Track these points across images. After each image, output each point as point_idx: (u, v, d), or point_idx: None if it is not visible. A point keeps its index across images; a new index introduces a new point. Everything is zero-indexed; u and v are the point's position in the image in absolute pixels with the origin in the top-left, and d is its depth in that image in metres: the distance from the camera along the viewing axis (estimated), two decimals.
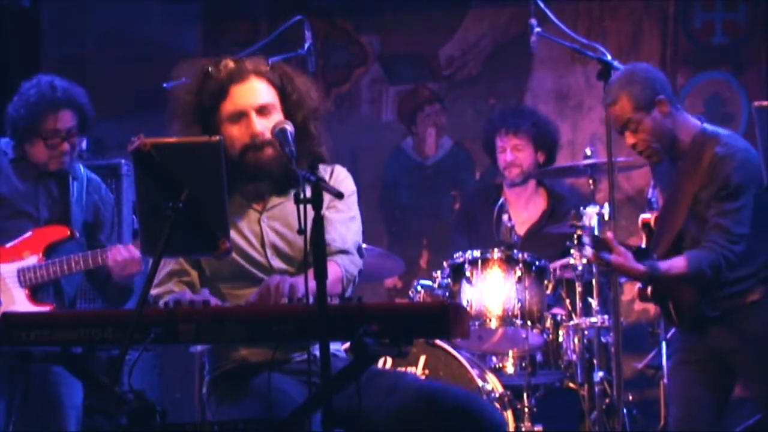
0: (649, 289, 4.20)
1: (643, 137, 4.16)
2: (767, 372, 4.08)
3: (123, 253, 4.33)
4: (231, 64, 3.39)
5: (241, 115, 3.34)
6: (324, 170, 3.44)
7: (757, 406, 4.37)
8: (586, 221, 4.47)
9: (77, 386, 4.44)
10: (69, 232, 4.42)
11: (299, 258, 3.32)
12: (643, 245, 4.33)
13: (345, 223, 3.44)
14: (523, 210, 5.64)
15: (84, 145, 5.64)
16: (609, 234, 4.17)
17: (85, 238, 4.53)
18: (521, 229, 5.50)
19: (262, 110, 3.34)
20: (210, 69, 3.39)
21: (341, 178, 3.48)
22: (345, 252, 3.39)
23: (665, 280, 4.09)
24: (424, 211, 6.74)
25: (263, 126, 3.32)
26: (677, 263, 4.05)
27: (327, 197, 3.35)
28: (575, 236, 4.27)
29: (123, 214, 5.43)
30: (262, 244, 3.39)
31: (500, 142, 5.64)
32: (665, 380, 5.20)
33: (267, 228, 3.41)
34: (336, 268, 3.32)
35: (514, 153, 5.60)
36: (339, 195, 3.00)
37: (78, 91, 4.57)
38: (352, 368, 2.91)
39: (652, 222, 4.32)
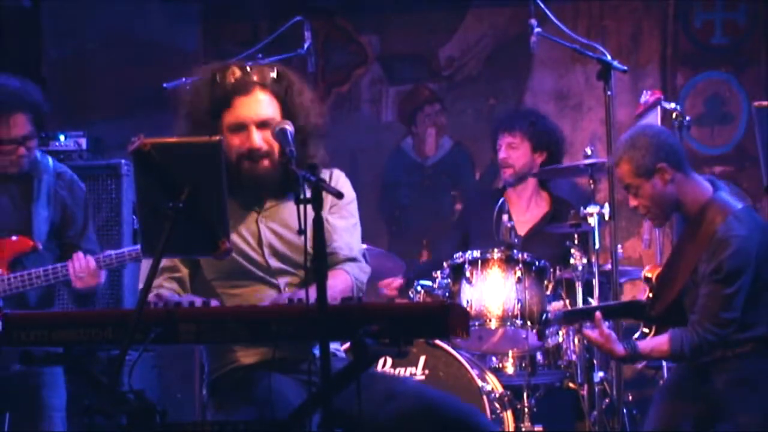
0: (651, 332, 4.24)
1: (642, 202, 4.16)
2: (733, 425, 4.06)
3: (77, 265, 4.31)
4: (237, 72, 3.38)
5: (241, 127, 3.35)
6: (322, 174, 3.44)
7: None
8: (551, 314, 4.62)
9: (60, 388, 4.42)
10: (32, 245, 4.39)
11: (297, 258, 3.32)
12: (645, 297, 4.34)
13: (350, 230, 3.47)
14: (525, 211, 5.64)
15: (86, 144, 5.66)
16: (597, 314, 4.17)
17: (54, 237, 4.48)
18: (522, 230, 5.50)
19: (263, 124, 3.35)
20: (217, 76, 3.39)
21: (341, 182, 3.48)
22: (353, 260, 3.41)
23: (645, 360, 4.18)
24: (424, 211, 6.73)
25: (262, 139, 3.33)
26: (659, 346, 4.08)
27: (328, 200, 3.37)
28: (544, 316, 4.39)
29: (123, 214, 5.43)
30: (260, 244, 3.39)
31: (498, 141, 5.65)
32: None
33: (264, 228, 3.41)
34: (346, 277, 3.34)
35: (508, 151, 5.59)
36: (339, 195, 3.00)
37: (30, 89, 4.40)
38: (351, 368, 2.91)
39: (653, 277, 4.32)
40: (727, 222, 4.02)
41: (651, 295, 4.29)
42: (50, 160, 4.55)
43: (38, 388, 4.35)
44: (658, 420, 4.19)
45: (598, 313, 4.17)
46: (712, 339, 4.00)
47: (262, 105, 3.37)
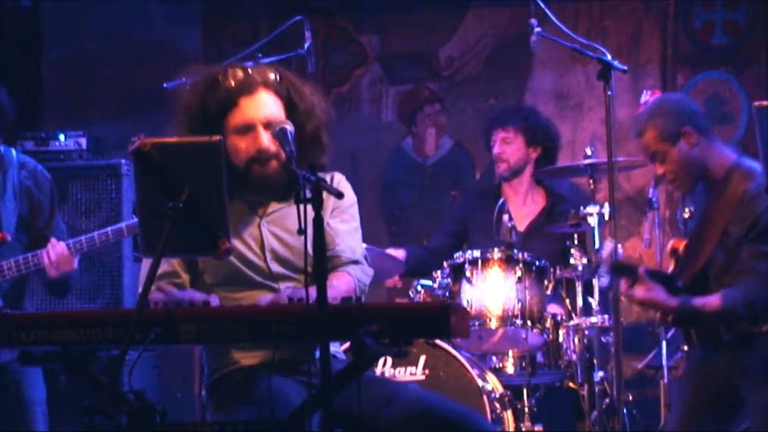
0: (671, 317, 4.17)
1: (670, 168, 4.16)
2: (759, 404, 4.04)
3: (53, 254, 4.33)
4: (240, 73, 3.36)
5: (248, 128, 3.33)
6: (323, 177, 3.42)
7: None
8: (604, 253, 4.45)
9: (39, 383, 4.42)
10: (0, 237, 4.38)
11: (298, 263, 3.31)
12: (670, 270, 4.32)
13: (352, 234, 3.46)
14: (521, 207, 5.64)
15: (86, 144, 5.67)
16: (641, 270, 4.13)
17: (23, 229, 4.47)
18: (520, 226, 5.50)
19: (269, 124, 3.32)
20: (219, 77, 3.37)
21: (342, 185, 3.47)
22: (356, 262, 3.41)
23: (697, 315, 4.07)
24: (424, 211, 6.73)
25: (270, 139, 3.31)
26: (712, 301, 4.03)
27: (329, 204, 3.36)
28: (593, 265, 4.29)
29: (123, 214, 5.44)
30: (262, 249, 3.38)
31: (492, 137, 5.67)
32: (665, 380, 5.21)
33: (267, 232, 3.40)
34: (349, 279, 3.33)
35: (502, 146, 5.61)
36: (339, 195, 2.99)
37: None
38: (351, 369, 2.90)
39: (681, 249, 4.30)
40: (755, 181, 4.03)
41: (677, 266, 4.25)
42: (14, 152, 4.55)
43: (18, 383, 4.35)
44: (682, 404, 4.16)
45: (641, 269, 4.13)
46: (763, 297, 3.97)
47: (267, 104, 3.35)
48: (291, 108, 3.39)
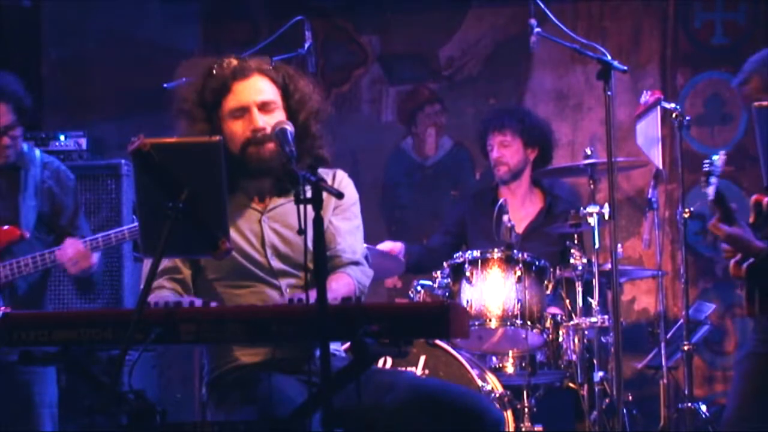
0: (744, 267, 4.11)
1: None
2: None
3: (70, 251, 4.35)
4: (234, 61, 3.41)
5: (243, 111, 3.35)
6: (325, 174, 3.42)
7: None
8: (718, 160, 4.28)
9: (50, 385, 4.43)
10: (19, 234, 4.40)
11: (299, 259, 3.32)
12: (750, 222, 4.26)
13: (353, 233, 3.46)
14: (519, 208, 5.64)
15: (86, 144, 5.67)
16: (734, 205, 4.09)
17: (45, 226, 4.51)
18: (519, 228, 5.50)
19: (264, 106, 3.35)
20: (213, 67, 3.40)
21: (344, 184, 3.48)
22: (356, 263, 3.41)
23: None
24: (424, 211, 6.74)
25: (265, 121, 3.33)
26: None
27: (331, 202, 3.37)
28: (704, 173, 4.20)
29: (123, 214, 5.44)
30: (262, 244, 3.39)
31: (490, 141, 5.66)
32: (665, 380, 5.21)
33: (267, 228, 3.41)
34: (349, 280, 3.34)
35: (501, 150, 5.60)
36: (339, 195, 3.00)
37: (9, 80, 4.45)
38: (351, 368, 2.91)
39: (765, 203, 4.24)
40: None
41: (757, 220, 4.17)
42: (37, 152, 4.59)
43: (28, 384, 4.36)
44: (741, 389, 4.10)
45: (734, 206, 4.08)
46: None
47: (261, 88, 3.38)
48: (286, 95, 3.40)
